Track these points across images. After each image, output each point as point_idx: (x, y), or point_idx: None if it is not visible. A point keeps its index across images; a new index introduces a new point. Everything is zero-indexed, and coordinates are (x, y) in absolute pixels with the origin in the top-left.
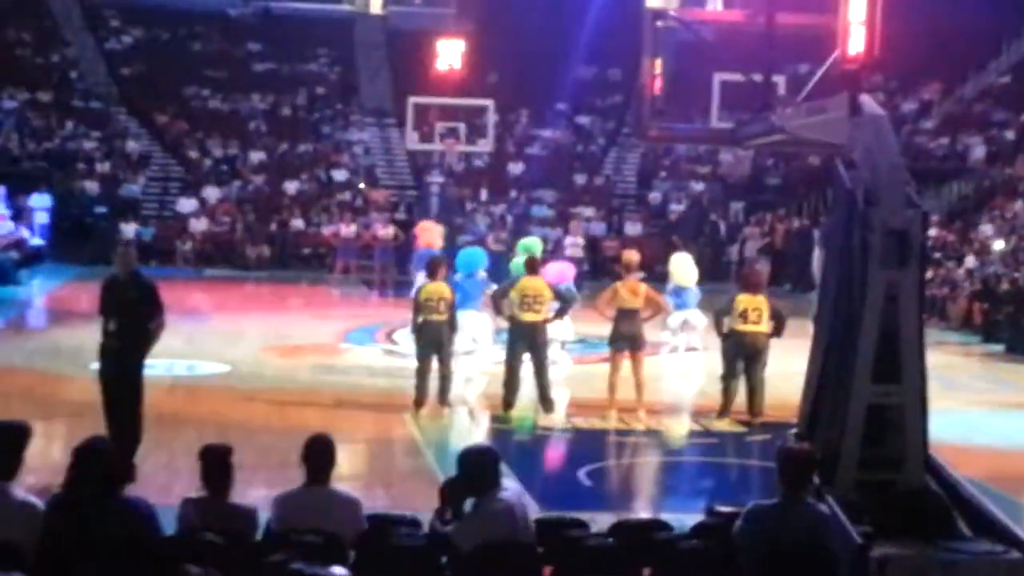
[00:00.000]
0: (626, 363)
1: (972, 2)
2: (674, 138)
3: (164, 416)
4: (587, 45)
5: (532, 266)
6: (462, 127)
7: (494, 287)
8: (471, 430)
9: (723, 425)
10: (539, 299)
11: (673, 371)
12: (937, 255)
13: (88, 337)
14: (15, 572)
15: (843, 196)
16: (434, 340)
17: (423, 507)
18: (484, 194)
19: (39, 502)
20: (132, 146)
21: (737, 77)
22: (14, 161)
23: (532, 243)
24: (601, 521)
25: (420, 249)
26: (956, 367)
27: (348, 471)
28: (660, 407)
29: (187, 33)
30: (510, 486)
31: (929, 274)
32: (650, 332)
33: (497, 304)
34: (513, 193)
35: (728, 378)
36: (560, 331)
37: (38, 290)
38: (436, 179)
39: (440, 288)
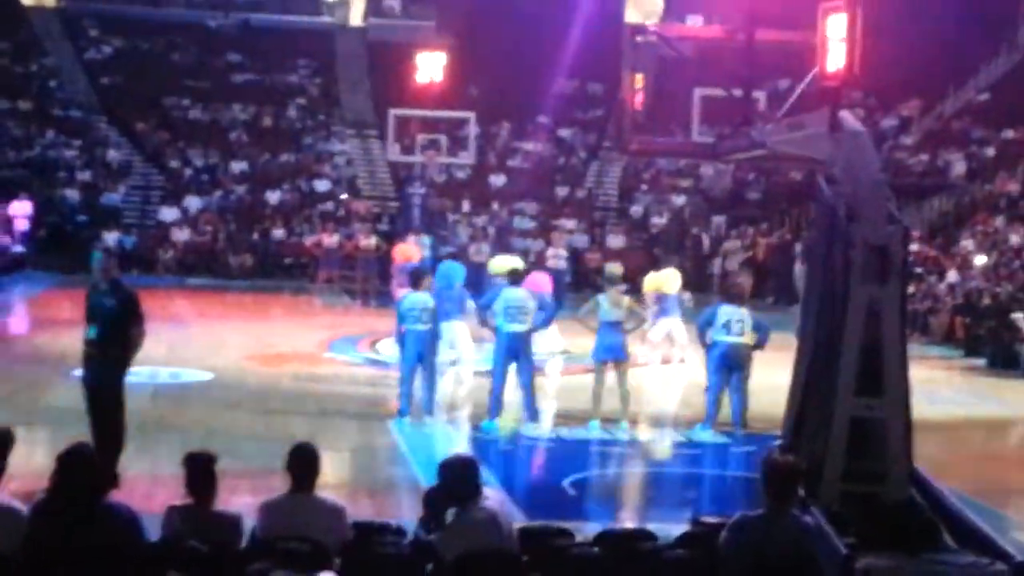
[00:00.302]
0: (610, 374)
1: (951, 19)
2: (655, 152)
3: (148, 424)
4: (568, 59)
5: (516, 277)
6: (443, 139)
7: (469, 301)
8: (455, 439)
9: (707, 436)
10: (523, 310)
11: (657, 382)
12: (919, 270)
13: (70, 344)
14: None
15: (824, 211)
16: (417, 349)
17: (407, 515)
18: (466, 206)
19: (23, 508)
20: (112, 155)
21: (718, 92)
22: None
23: (505, 262)
24: (586, 530)
25: (399, 263)
26: (938, 381)
27: (332, 479)
28: (645, 418)
29: (166, 44)
30: (492, 495)
31: (911, 289)
32: (634, 344)
33: (481, 316)
34: (495, 205)
35: (712, 389)
36: (549, 342)
37: (19, 297)
38: (418, 190)
39: (423, 298)
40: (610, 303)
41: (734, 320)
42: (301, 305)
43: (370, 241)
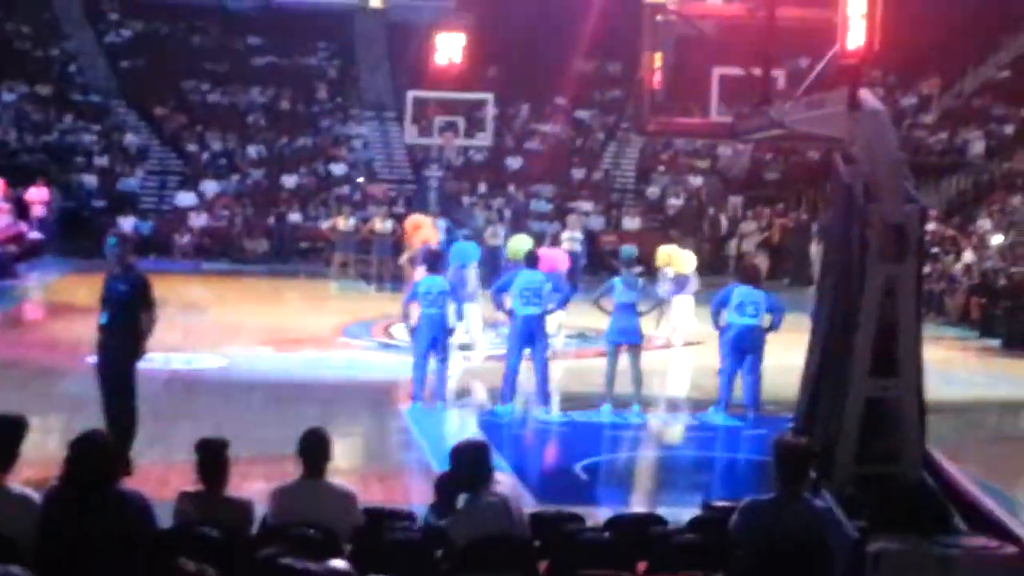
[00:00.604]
0: (623, 357)
1: None
2: (673, 132)
3: (161, 410)
4: (587, 39)
5: (531, 260)
6: (461, 121)
7: (477, 283)
8: (467, 424)
9: (720, 419)
10: (539, 293)
11: (670, 365)
12: (935, 250)
13: (85, 331)
14: (12, 565)
15: (842, 191)
16: (432, 334)
17: (418, 501)
18: (482, 188)
19: (36, 495)
20: (131, 139)
21: (736, 71)
22: (12, 154)
23: (520, 242)
24: (597, 515)
25: (418, 247)
26: (953, 362)
27: (344, 465)
28: (657, 401)
29: (186, 27)
30: (504, 480)
31: (927, 269)
32: (647, 326)
33: (497, 299)
34: (511, 187)
35: (725, 372)
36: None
37: (36, 283)
38: (435, 173)
39: (439, 281)
40: (625, 285)
41: (748, 302)
42: (316, 289)
43: (386, 225)
